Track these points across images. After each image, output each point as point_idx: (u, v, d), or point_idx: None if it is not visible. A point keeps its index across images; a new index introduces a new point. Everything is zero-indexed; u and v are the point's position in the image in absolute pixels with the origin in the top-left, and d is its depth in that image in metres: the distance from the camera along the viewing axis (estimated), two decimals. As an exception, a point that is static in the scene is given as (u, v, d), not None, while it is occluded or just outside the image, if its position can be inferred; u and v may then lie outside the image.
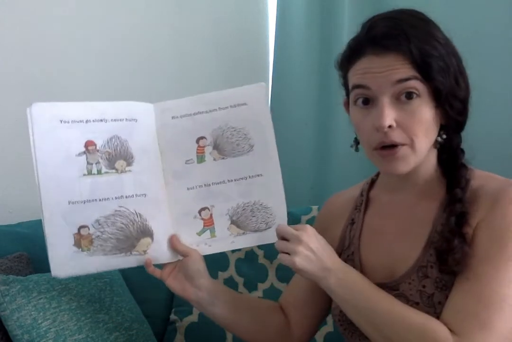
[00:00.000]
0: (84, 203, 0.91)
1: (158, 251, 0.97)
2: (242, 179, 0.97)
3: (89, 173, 0.91)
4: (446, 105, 0.84)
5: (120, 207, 0.93)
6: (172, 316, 1.50)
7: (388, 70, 0.82)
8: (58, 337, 1.10)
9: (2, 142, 1.58)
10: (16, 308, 1.09)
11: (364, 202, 0.99)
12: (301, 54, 1.92)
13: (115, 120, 0.94)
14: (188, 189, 0.98)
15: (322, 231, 1.02)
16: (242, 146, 0.98)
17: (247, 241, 0.98)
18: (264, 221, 0.97)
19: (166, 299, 1.53)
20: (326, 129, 1.86)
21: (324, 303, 1.01)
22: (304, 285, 1.02)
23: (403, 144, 0.83)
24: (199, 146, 0.98)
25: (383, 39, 0.82)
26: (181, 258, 0.97)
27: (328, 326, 1.41)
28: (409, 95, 0.82)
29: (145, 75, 1.82)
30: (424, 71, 0.81)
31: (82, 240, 0.93)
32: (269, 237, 0.94)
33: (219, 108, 0.98)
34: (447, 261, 0.81)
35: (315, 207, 1.55)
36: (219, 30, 2.00)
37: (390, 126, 0.82)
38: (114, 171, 0.93)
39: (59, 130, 0.90)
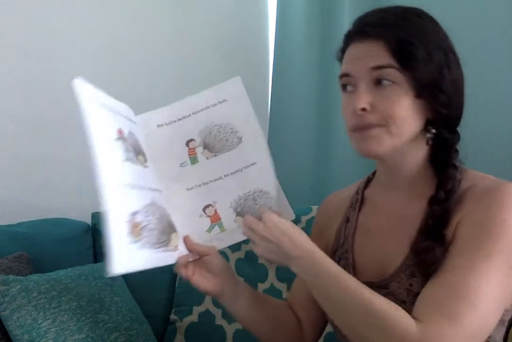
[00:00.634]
0: (131, 187, 0.86)
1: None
2: (237, 171, 0.99)
3: (127, 159, 0.89)
4: (427, 96, 0.83)
5: (153, 197, 0.92)
6: (172, 316, 1.50)
7: (366, 56, 0.84)
8: (58, 337, 1.10)
9: (2, 143, 1.58)
10: (16, 308, 1.09)
11: (359, 200, 0.99)
12: (301, 54, 1.92)
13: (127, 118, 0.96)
14: (187, 189, 0.99)
15: (321, 229, 1.03)
16: (231, 141, 1.00)
17: None
18: (267, 206, 0.98)
19: (166, 299, 1.53)
20: (326, 129, 1.86)
21: None
22: (306, 286, 1.02)
23: (377, 126, 0.84)
24: (189, 148, 1.00)
25: (366, 26, 0.85)
26: (197, 256, 0.97)
27: (328, 326, 1.41)
28: (385, 82, 0.83)
29: (145, 76, 1.82)
30: (402, 59, 0.82)
31: (134, 228, 0.83)
32: None
33: (201, 109, 1.00)
34: (421, 262, 0.81)
35: (315, 207, 1.55)
36: (219, 30, 2.00)
37: (364, 110, 0.83)
38: (139, 162, 0.93)
39: (100, 110, 0.89)
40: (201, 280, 0.94)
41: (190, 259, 0.95)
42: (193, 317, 1.48)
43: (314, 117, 1.89)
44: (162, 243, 0.89)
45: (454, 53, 0.87)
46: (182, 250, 0.94)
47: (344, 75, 0.87)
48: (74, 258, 1.45)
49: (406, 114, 0.83)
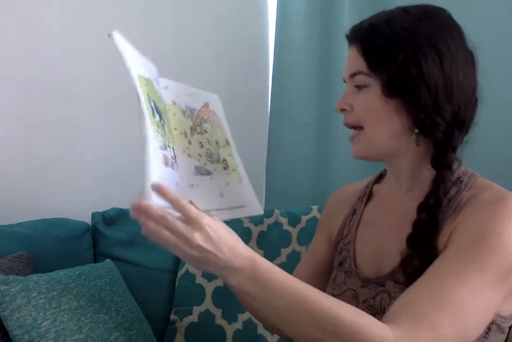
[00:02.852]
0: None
1: None
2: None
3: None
4: (398, 96, 0.83)
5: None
6: (172, 316, 1.50)
7: (348, 64, 0.89)
8: (58, 337, 1.10)
9: (2, 143, 1.58)
10: (16, 308, 1.09)
11: (367, 194, 1.00)
12: (301, 54, 1.92)
13: None
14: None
15: (327, 219, 1.04)
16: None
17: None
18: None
19: (166, 299, 1.53)
20: (326, 129, 1.85)
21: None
22: (309, 271, 1.04)
23: (358, 128, 0.88)
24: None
25: (349, 31, 0.89)
26: None
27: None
28: (358, 87, 0.86)
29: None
30: (371, 63, 0.84)
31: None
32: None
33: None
34: (404, 273, 0.81)
35: (315, 207, 1.55)
36: (219, 30, 2.00)
37: (343, 110, 0.88)
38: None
39: None
40: None
41: None
42: (193, 317, 1.48)
43: (314, 117, 1.89)
44: None
45: (437, 51, 0.82)
46: None
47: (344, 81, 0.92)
48: (74, 258, 1.45)
49: (379, 115, 0.85)
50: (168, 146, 0.89)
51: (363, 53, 0.85)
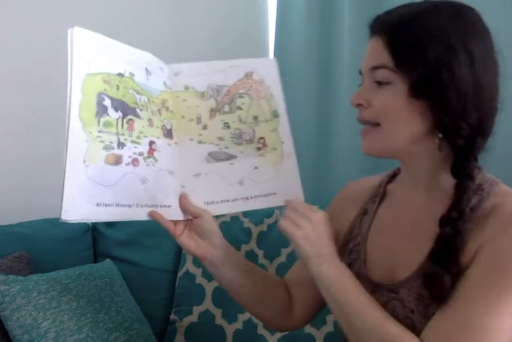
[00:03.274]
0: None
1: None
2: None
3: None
4: (425, 98, 0.79)
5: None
6: (172, 316, 1.50)
7: (368, 55, 0.84)
8: (58, 337, 1.10)
9: (2, 143, 1.58)
10: (16, 308, 1.09)
11: (380, 194, 0.96)
12: (301, 54, 1.92)
13: None
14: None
15: (335, 215, 0.98)
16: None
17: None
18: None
19: (166, 299, 1.53)
20: (326, 129, 1.85)
21: None
22: (306, 269, 1.02)
23: (372, 125, 0.84)
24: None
25: (373, 21, 0.84)
26: (191, 217, 0.94)
27: (328, 326, 1.41)
28: (379, 82, 0.81)
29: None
30: (398, 58, 0.79)
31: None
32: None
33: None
34: (430, 291, 0.78)
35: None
36: (219, 30, 2.00)
37: (360, 105, 0.84)
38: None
39: None
40: (187, 241, 0.92)
41: (181, 219, 0.92)
42: (193, 317, 1.48)
43: (314, 117, 1.89)
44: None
45: (469, 54, 0.78)
46: (175, 208, 0.91)
47: (360, 73, 0.87)
48: (74, 258, 1.45)
49: (400, 115, 0.80)
50: (135, 142, 0.86)
51: (389, 47, 0.79)
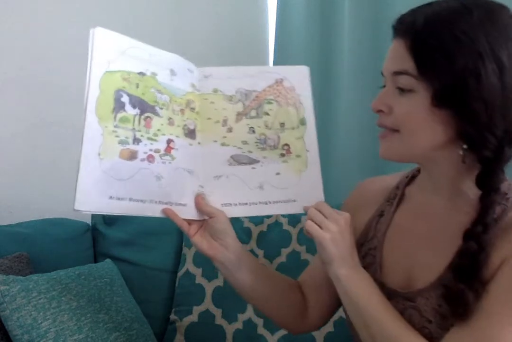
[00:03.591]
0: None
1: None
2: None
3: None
4: (449, 107, 0.75)
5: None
6: (172, 316, 1.50)
7: (391, 58, 0.79)
8: (58, 337, 1.10)
9: (3, 143, 1.58)
10: (16, 308, 1.09)
11: (398, 197, 0.93)
12: (301, 54, 1.92)
13: None
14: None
15: (352, 211, 0.95)
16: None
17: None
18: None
19: (166, 299, 1.53)
20: (326, 130, 1.85)
21: None
22: (323, 268, 0.98)
23: (392, 131, 0.81)
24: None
25: (397, 22, 0.79)
26: (206, 217, 0.93)
27: (328, 326, 1.41)
28: (403, 87, 0.78)
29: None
30: (420, 66, 0.75)
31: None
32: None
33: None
34: (451, 306, 0.75)
35: (315, 207, 1.55)
36: (219, 30, 2.00)
37: (380, 111, 0.81)
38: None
39: None
40: (200, 241, 0.91)
41: (195, 218, 0.92)
42: (193, 317, 1.48)
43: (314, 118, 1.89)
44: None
45: (498, 61, 0.73)
46: (190, 207, 0.91)
47: (382, 74, 0.83)
48: (74, 258, 1.45)
49: (422, 125, 0.77)
50: (152, 139, 0.87)
51: (412, 52, 0.75)
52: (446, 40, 0.74)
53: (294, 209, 0.95)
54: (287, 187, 0.94)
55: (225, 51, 2.00)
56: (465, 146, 0.76)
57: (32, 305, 1.11)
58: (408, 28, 0.77)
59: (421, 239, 0.86)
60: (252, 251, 1.54)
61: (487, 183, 0.76)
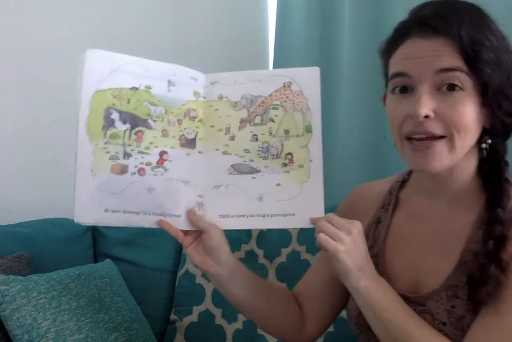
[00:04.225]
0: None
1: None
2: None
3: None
4: (494, 103, 0.75)
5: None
6: (172, 316, 1.50)
7: (432, 56, 0.74)
8: (58, 337, 1.10)
9: (3, 143, 1.58)
10: (16, 308, 1.09)
11: (392, 202, 0.92)
12: (301, 54, 1.92)
13: None
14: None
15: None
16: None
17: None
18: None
19: (166, 299, 1.53)
20: (326, 130, 1.83)
21: (338, 300, 0.97)
22: (321, 280, 0.98)
23: (440, 137, 0.76)
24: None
25: (431, 19, 0.75)
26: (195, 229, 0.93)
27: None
28: (452, 87, 0.74)
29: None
30: (472, 62, 0.73)
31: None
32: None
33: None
34: (477, 291, 0.74)
35: (315, 207, 1.55)
36: (219, 30, 2.00)
37: (427, 117, 0.75)
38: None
39: None
40: (193, 254, 0.91)
41: (190, 229, 0.91)
42: (193, 317, 1.48)
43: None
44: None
45: None
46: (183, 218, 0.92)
47: (400, 74, 0.78)
48: (74, 258, 1.45)
49: (470, 124, 0.75)
50: (143, 152, 0.89)
51: (460, 50, 0.73)
52: (490, 37, 0.75)
53: (292, 223, 0.92)
54: (287, 199, 0.92)
55: (225, 51, 2.00)
56: (489, 141, 0.79)
57: (32, 305, 1.11)
58: (450, 24, 0.74)
59: (425, 242, 0.85)
60: (252, 251, 1.54)
61: (500, 172, 0.79)
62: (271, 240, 1.54)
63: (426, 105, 0.74)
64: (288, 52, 1.96)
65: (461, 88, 0.74)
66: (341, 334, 1.33)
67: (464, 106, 0.74)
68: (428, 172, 0.79)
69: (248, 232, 1.56)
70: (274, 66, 2.02)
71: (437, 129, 0.75)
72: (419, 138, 0.76)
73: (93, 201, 0.87)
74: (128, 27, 1.80)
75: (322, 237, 0.80)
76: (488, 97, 0.75)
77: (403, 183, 0.94)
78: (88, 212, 0.87)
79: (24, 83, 1.61)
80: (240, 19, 2.05)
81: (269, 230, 1.57)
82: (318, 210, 0.90)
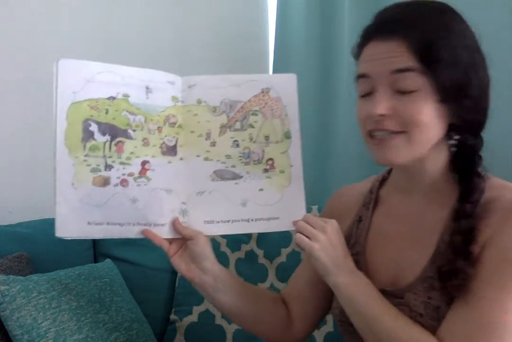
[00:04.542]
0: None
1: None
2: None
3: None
4: (452, 101, 0.78)
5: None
6: (172, 316, 1.50)
7: (389, 57, 0.78)
8: (58, 337, 1.10)
9: (2, 143, 1.58)
10: (16, 308, 1.09)
11: (373, 200, 0.95)
12: (301, 54, 1.92)
13: None
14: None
15: None
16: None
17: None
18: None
19: (166, 299, 1.53)
20: (326, 129, 1.85)
21: (325, 299, 0.98)
22: (307, 278, 1.00)
23: (397, 132, 0.79)
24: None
25: (388, 22, 0.80)
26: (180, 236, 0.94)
27: (328, 326, 1.41)
28: (406, 87, 0.77)
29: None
30: (426, 62, 0.76)
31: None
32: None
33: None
34: (447, 284, 0.77)
35: (314, 207, 1.55)
36: (219, 30, 2.00)
37: (383, 115, 0.79)
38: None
39: None
40: (179, 262, 0.92)
41: (175, 237, 0.92)
42: (193, 317, 1.48)
43: (314, 117, 1.89)
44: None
45: (480, 53, 0.80)
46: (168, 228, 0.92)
47: (362, 76, 0.83)
48: (74, 258, 1.45)
49: (429, 120, 0.78)
50: (125, 163, 0.88)
51: (415, 49, 0.76)
52: (445, 36, 0.77)
53: (277, 226, 0.94)
54: (270, 203, 0.93)
55: (225, 51, 2.00)
56: (457, 137, 0.80)
57: (32, 305, 1.11)
58: (405, 27, 0.78)
59: (402, 239, 0.88)
60: (252, 251, 1.54)
61: (471, 167, 0.80)
62: (271, 240, 1.54)
63: (381, 105, 0.79)
64: (288, 52, 1.96)
65: (416, 88, 0.77)
66: (341, 334, 1.33)
67: (420, 104, 0.77)
68: (388, 165, 0.84)
69: (248, 232, 1.56)
70: (274, 66, 2.02)
71: (394, 126, 0.79)
72: (378, 136, 0.81)
73: (76, 214, 0.85)
74: (128, 27, 1.80)
75: (298, 237, 0.84)
76: (445, 95, 0.77)
77: (383, 181, 0.96)
78: (71, 225, 0.85)
79: (24, 83, 1.60)
80: (240, 19, 2.05)
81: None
82: (300, 213, 0.91)
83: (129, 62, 1.91)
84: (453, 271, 0.76)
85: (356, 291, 0.82)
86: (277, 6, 1.99)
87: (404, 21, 0.79)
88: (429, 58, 0.76)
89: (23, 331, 1.08)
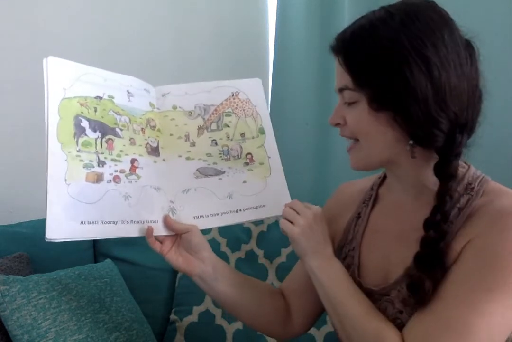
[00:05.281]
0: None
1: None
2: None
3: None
4: (387, 110, 0.79)
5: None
6: (172, 316, 1.50)
7: (337, 74, 0.85)
8: (58, 337, 1.10)
9: (2, 143, 1.58)
10: (16, 308, 1.09)
11: (372, 197, 0.96)
12: (301, 54, 1.92)
13: None
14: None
15: (329, 220, 0.97)
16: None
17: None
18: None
19: (166, 299, 1.53)
20: (326, 129, 1.85)
21: None
22: (306, 272, 0.98)
23: (355, 140, 0.85)
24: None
25: (338, 41, 0.85)
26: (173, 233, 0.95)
27: (328, 326, 1.41)
28: (349, 99, 0.83)
29: (145, 76, 1.82)
30: (354, 78, 0.81)
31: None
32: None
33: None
34: (412, 294, 0.77)
35: (315, 207, 1.55)
36: (220, 30, 2.00)
37: (338, 124, 0.86)
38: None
39: None
40: (176, 257, 0.94)
41: (167, 234, 0.93)
42: (193, 317, 1.48)
43: (314, 117, 1.89)
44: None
45: (424, 59, 0.76)
46: (159, 225, 0.93)
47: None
48: (74, 258, 1.45)
49: (370, 129, 0.82)
50: (116, 160, 0.89)
51: (347, 68, 0.81)
52: (370, 49, 0.79)
53: (265, 213, 0.98)
54: (255, 193, 0.98)
55: (225, 51, 2.00)
56: (411, 142, 0.80)
57: (32, 305, 1.11)
58: (339, 46, 0.83)
59: (394, 237, 0.89)
60: (252, 251, 1.54)
61: (444, 172, 0.79)
62: (271, 240, 1.54)
63: (333, 115, 0.86)
64: (288, 52, 1.96)
65: (355, 99, 0.82)
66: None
67: (358, 115, 0.82)
68: (356, 170, 0.87)
69: (248, 232, 1.57)
70: (274, 66, 2.02)
71: (346, 133, 0.86)
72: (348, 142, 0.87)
73: (68, 212, 0.84)
74: (129, 27, 1.81)
75: (282, 222, 0.89)
76: (378, 104, 0.79)
77: (384, 178, 0.97)
78: (63, 225, 0.84)
79: (24, 84, 1.60)
80: (240, 19, 2.05)
81: (269, 230, 1.57)
82: (285, 198, 0.97)
83: (129, 62, 1.92)
84: (416, 282, 0.77)
85: (327, 275, 0.86)
86: (277, 6, 1.99)
87: (340, 39, 0.84)
88: (356, 74, 0.81)
89: (23, 331, 1.08)
